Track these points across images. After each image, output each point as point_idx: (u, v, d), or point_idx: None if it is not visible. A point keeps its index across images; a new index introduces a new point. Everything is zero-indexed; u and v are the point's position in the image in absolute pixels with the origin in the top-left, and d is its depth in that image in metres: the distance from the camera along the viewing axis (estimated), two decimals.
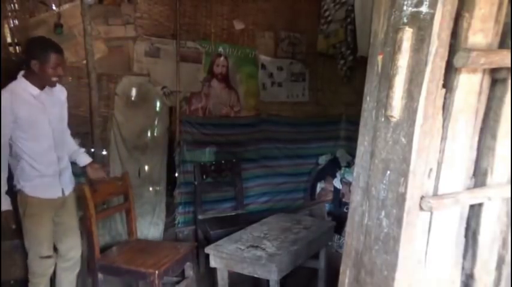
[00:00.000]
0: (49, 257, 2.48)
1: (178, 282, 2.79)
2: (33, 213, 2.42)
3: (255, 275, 2.39)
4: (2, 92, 2.32)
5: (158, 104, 3.64)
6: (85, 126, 3.19)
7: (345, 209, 3.85)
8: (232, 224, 3.28)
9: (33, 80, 2.39)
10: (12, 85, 2.38)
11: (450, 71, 1.24)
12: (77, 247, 2.67)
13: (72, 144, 2.72)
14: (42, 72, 2.36)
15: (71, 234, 2.63)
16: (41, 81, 2.40)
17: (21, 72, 2.41)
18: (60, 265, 2.62)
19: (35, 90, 2.40)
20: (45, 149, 2.45)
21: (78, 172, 2.90)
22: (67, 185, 2.59)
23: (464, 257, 1.48)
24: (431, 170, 1.31)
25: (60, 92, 2.60)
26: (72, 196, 2.65)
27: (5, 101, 2.30)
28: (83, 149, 2.76)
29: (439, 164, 1.32)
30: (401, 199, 1.24)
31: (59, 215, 2.56)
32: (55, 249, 2.59)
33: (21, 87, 2.38)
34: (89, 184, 2.66)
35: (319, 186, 4.37)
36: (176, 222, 3.78)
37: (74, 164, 2.71)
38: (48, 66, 2.36)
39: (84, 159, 2.69)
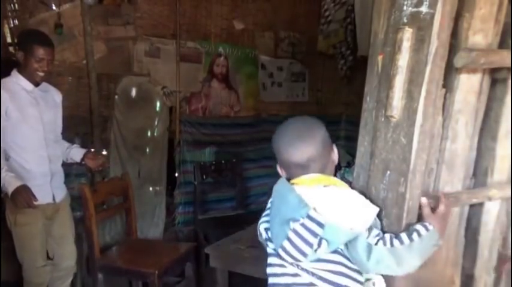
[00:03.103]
0: (44, 266, 2.40)
1: (178, 282, 2.79)
2: (25, 222, 2.28)
3: (255, 275, 2.38)
4: None
5: (158, 104, 3.64)
6: (85, 127, 3.20)
7: None
8: (232, 224, 3.28)
9: (26, 75, 2.29)
10: (4, 80, 2.26)
11: (450, 71, 1.24)
12: (71, 256, 2.58)
13: (64, 144, 2.60)
14: (27, 65, 2.25)
15: (64, 243, 2.54)
16: (29, 76, 2.29)
17: (15, 69, 2.32)
18: (53, 274, 2.51)
19: (28, 85, 2.31)
20: (35, 146, 2.32)
21: (79, 172, 2.90)
22: (58, 190, 2.47)
23: (464, 257, 1.48)
24: (431, 170, 1.31)
25: (55, 94, 2.51)
26: (65, 204, 2.56)
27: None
28: (76, 145, 2.66)
29: (439, 164, 1.32)
30: (401, 199, 1.24)
31: (51, 224, 2.46)
32: (48, 257, 2.50)
33: (14, 81, 2.28)
34: (89, 184, 2.65)
35: None
36: (176, 222, 3.78)
37: (69, 166, 2.67)
38: (33, 59, 2.24)
39: (78, 153, 2.57)
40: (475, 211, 1.44)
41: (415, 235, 1.16)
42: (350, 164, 4.19)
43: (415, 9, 1.16)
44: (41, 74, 2.29)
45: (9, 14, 3.15)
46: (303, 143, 1.27)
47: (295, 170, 1.28)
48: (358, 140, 1.42)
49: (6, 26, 3.15)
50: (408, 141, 1.20)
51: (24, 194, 2.13)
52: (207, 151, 3.92)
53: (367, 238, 1.17)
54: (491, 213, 1.45)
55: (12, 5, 3.15)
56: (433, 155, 1.29)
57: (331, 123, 4.66)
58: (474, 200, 1.38)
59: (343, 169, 4.21)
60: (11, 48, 3.18)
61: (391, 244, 1.15)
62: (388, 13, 1.25)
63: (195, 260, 2.88)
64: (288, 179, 1.30)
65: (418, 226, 1.19)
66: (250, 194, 4.15)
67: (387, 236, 1.18)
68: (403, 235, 1.17)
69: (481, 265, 1.48)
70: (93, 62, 3.12)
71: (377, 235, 1.18)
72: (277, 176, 1.38)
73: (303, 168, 1.27)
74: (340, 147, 4.65)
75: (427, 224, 1.19)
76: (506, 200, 1.45)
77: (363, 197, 1.22)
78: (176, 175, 3.77)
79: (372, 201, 1.25)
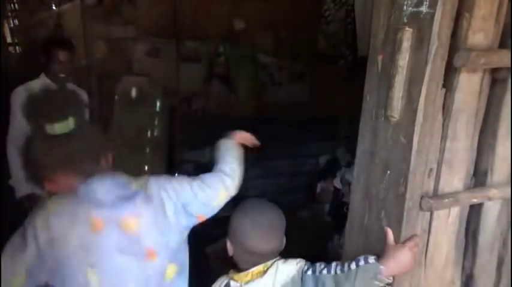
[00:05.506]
0: None
1: None
2: None
3: None
4: (18, 88, 2.32)
5: (158, 104, 3.64)
6: None
7: (345, 209, 3.84)
8: None
9: (50, 77, 2.42)
10: (32, 82, 2.39)
11: (450, 71, 1.24)
12: None
13: None
14: (49, 67, 2.40)
15: None
16: (53, 77, 2.41)
17: (43, 72, 2.44)
18: None
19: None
20: None
21: None
22: None
23: (464, 257, 1.48)
24: (431, 170, 1.30)
25: (82, 94, 2.53)
26: None
27: (22, 97, 2.23)
28: None
29: (439, 164, 1.32)
30: (401, 199, 1.24)
31: None
32: None
33: (43, 85, 2.32)
34: None
35: (319, 186, 4.37)
36: None
37: None
38: (53, 61, 2.39)
39: None
40: (475, 211, 1.44)
41: (353, 265, 1.20)
42: (350, 164, 4.19)
43: (415, 9, 1.16)
44: (62, 75, 2.42)
45: (9, 14, 3.15)
46: (273, 236, 1.29)
47: (250, 257, 1.30)
48: (358, 140, 1.42)
49: (6, 26, 3.15)
50: (408, 141, 1.20)
51: None
52: (207, 151, 3.91)
53: (311, 270, 1.23)
54: (491, 213, 1.45)
55: (12, 5, 3.15)
56: (433, 155, 1.29)
57: (331, 123, 4.67)
58: (474, 200, 1.38)
59: (343, 168, 4.21)
60: (10, 48, 3.19)
61: (335, 271, 1.21)
62: (388, 13, 1.25)
63: (195, 260, 2.88)
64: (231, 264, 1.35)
65: (361, 257, 1.22)
66: (250, 194, 4.14)
67: (333, 264, 1.23)
68: (345, 264, 1.22)
69: (481, 265, 1.48)
70: (93, 62, 3.12)
71: (322, 265, 1.24)
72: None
73: (261, 257, 1.28)
74: (340, 147, 4.60)
75: (369, 256, 1.21)
76: (506, 200, 1.45)
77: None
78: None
79: (372, 201, 1.25)
